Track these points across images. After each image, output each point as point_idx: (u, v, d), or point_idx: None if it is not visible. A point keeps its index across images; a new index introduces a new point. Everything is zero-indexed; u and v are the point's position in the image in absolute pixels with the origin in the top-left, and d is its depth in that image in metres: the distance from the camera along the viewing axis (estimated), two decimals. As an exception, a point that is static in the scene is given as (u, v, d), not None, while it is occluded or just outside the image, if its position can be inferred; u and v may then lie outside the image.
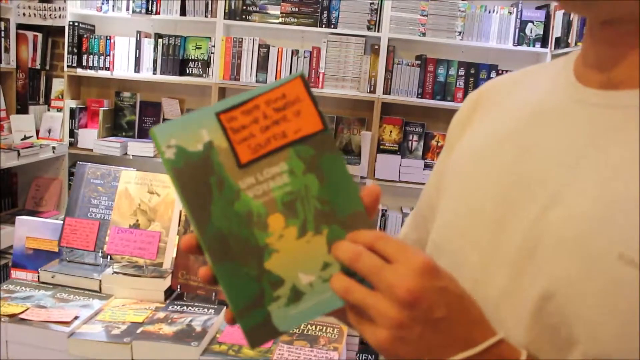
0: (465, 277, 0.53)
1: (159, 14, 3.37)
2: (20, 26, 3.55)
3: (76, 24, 3.46)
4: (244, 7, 3.30)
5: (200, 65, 3.41)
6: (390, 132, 3.31)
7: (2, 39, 3.43)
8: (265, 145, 0.50)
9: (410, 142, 3.34)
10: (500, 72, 3.18)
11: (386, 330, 0.45)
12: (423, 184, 3.25)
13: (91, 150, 3.42)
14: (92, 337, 1.15)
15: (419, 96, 3.21)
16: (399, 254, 0.46)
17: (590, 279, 0.46)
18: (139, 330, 1.17)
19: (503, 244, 0.55)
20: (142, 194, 1.41)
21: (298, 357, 1.11)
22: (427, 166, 3.25)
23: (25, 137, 3.45)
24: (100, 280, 1.37)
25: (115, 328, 1.19)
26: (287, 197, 0.50)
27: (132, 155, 3.37)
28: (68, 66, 3.49)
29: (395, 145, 3.30)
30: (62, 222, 1.51)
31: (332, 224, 0.51)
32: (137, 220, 1.39)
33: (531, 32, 3.13)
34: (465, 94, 3.17)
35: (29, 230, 1.54)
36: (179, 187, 0.49)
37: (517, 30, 3.12)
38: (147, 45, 3.43)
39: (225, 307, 1.31)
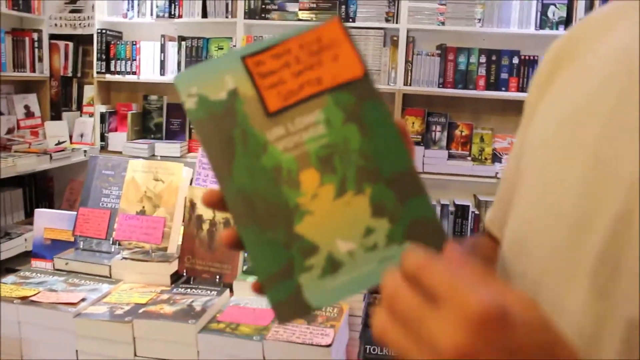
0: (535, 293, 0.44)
1: (182, 17, 3.45)
2: (52, 36, 3.70)
3: (104, 31, 3.58)
4: (263, 6, 3.34)
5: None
6: (413, 123, 3.29)
7: (36, 49, 3.57)
8: (298, 92, 0.44)
9: (433, 133, 3.32)
10: (522, 58, 3.12)
11: None
12: (447, 174, 3.23)
13: (120, 152, 3.52)
14: (96, 317, 1.19)
15: (440, 86, 3.19)
16: (448, 292, 0.33)
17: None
18: (140, 311, 1.21)
19: (582, 250, 0.44)
20: (148, 182, 1.45)
21: (293, 334, 1.12)
22: (452, 156, 3.22)
23: (59, 142, 3.58)
24: (110, 266, 1.42)
25: (119, 309, 1.23)
26: (323, 151, 0.44)
27: (160, 156, 3.45)
28: (97, 72, 3.61)
29: (418, 137, 3.28)
30: (76, 213, 1.56)
31: (376, 182, 0.43)
32: (143, 207, 1.43)
33: (554, 15, 3.07)
34: (487, 82, 3.13)
35: (46, 222, 1.61)
36: (202, 141, 0.45)
37: (539, 13, 3.06)
38: (171, 48, 3.51)
39: (228, 289, 1.33)
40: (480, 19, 3.09)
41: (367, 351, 1.28)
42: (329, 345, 1.09)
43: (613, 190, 0.42)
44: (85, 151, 3.50)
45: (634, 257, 0.39)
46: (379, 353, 1.29)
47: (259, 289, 0.43)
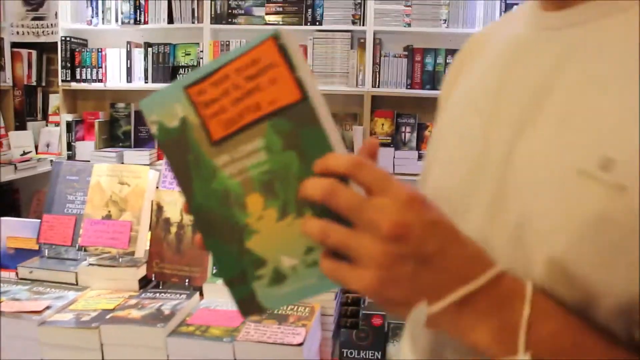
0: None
1: (147, 23, 3.41)
2: (14, 44, 3.62)
3: (68, 38, 3.52)
4: (230, 11, 3.33)
5: (190, 71, 3.44)
6: (382, 125, 3.31)
7: (-3, 58, 3.50)
8: (238, 120, 0.45)
9: (403, 134, 3.34)
10: (488, 57, 3.17)
11: (373, 271, 0.41)
12: (418, 175, 3.28)
13: (88, 161, 3.45)
14: (62, 325, 1.16)
15: (409, 87, 3.22)
16: (381, 185, 0.41)
17: (554, 198, 0.44)
18: (108, 316, 1.18)
19: (480, 187, 0.52)
20: (113, 185, 1.42)
21: (264, 334, 1.11)
22: (422, 157, 3.24)
23: (25, 153, 3.50)
24: (76, 273, 1.39)
25: (86, 315, 1.20)
26: (265, 177, 0.46)
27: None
28: (63, 80, 3.55)
29: (388, 138, 3.30)
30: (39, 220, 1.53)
31: (315, 208, 0.45)
32: (109, 211, 1.41)
33: (517, 15, 3.12)
34: (454, 82, 3.17)
35: (9, 231, 1.57)
36: (168, 161, 0.49)
37: (503, 13, 3.11)
38: (138, 54, 3.47)
39: (197, 292, 1.31)
40: (445, 20, 3.13)
41: (344, 355, 1.28)
42: (300, 344, 1.08)
43: (496, 134, 0.52)
44: (51, 161, 3.43)
45: (516, 179, 0.49)
46: (356, 357, 1.28)
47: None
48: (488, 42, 0.64)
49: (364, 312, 1.29)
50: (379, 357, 1.27)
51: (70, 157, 3.54)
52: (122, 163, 3.40)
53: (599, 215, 0.42)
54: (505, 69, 0.56)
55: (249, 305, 0.49)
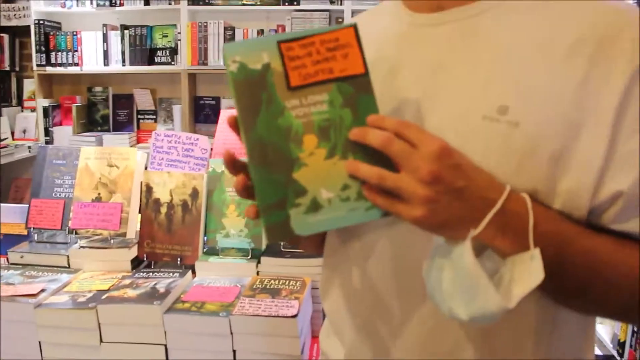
0: None
1: (123, 5, 3.37)
2: (-15, 29, 3.55)
3: (42, 22, 3.46)
4: (207, -9, 3.30)
5: (168, 53, 3.42)
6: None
7: (-32, 43, 3.43)
8: (314, 75, 0.59)
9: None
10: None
11: (420, 206, 0.54)
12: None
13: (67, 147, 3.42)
14: (58, 306, 1.18)
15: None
16: (420, 139, 0.55)
17: (467, 142, 0.60)
18: (104, 296, 1.20)
19: None
20: (102, 168, 1.43)
21: (259, 308, 1.14)
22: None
23: (1, 139, 3.45)
24: (68, 256, 1.40)
25: (82, 296, 1.22)
26: (323, 123, 0.58)
27: (109, 148, 3.38)
28: (37, 65, 3.49)
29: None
30: (28, 205, 1.53)
31: (357, 153, 0.58)
32: (99, 194, 1.41)
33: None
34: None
35: (-4, 217, 1.57)
36: (236, 96, 0.58)
37: None
38: (114, 37, 3.43)
39: (190, 271, 1.34)
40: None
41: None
42: (294, 316, 1.11)
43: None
44: (29, 147, 3.40)
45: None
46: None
47: (254, 213, 0.60)
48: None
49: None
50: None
51: (48, 143, 3.50)
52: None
53: (501, 143, 0.60)
54: (392, 59, 0.69)
55: (279, 230, 0.58)
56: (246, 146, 0.58)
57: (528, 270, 0.54)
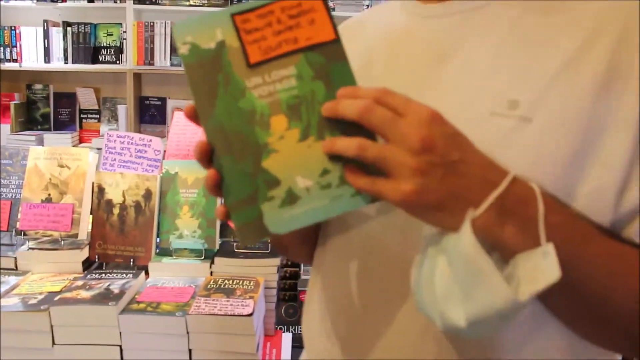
0: None
1: (66, 1, 3.29)
2: None
3: (-23, 15, 3.33)
4: (154, -9, 3.27)
5: (113, 52, 3.36)
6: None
7: None
8: (276, 48, 0.52)
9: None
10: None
11: (409, 180, 0.46)
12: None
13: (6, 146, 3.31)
14: (8, 309, 1.16)
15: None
16: (406, 106, 0.48)
17: (471, 137, 0.51)
18: (56, 298, 1.19)
19: None
20: (52, 169, 1.41)
21: (215, 307, 1.16)
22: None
23: None
24: (15, 258, 1.37)
25: (32, 298, 1.20)
26: (292, 100, 0.51)
27: (49, 148, 3.29)
28: (-27, 61, 3.36)
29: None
30: (-29, 205, 1.49)
31: (334, 131, 0.51)
32: (49, 195, 1.40)
33: None
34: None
35: (-63, 218, 1.51)
36: (190, 82, 0.52)
37: None
38: (56, 34, 3.35)
39: (142, 272, 1.34)
40: (368, 5, 3.23)
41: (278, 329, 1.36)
42: (250, 315, 1.14)
43: None
44: (-37, 145, 3.26)
45: None
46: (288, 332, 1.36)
47: (224, 213, 0.52)
48: (363, 30, 0.72)
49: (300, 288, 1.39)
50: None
51: (-16, 142, 3.38)
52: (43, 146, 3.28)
53: (512, 140, 0.53)
54: (393, 50, 0.65)
55: (252, 229, 0.51)
56: (207, 136, 0.52)
57: (540, 269, 0.44)
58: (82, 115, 3.54)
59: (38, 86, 3.51)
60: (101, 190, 1.38)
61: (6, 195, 1.48)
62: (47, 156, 1.42)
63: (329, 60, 0.52)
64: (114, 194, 1.38)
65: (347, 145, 0.49)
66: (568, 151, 0.52)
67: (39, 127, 3.50)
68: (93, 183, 1.40)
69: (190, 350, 1.15)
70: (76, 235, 1.38)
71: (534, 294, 0.43)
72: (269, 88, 0.52)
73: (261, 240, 0.57)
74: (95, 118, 3.53)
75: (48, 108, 3.52)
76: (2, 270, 1.35)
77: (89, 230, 1.40)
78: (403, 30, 0.66)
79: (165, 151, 1.52)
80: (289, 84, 0.52)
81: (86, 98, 3.53)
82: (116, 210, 1.38)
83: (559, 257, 0.44)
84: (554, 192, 0.52)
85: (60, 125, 3.50)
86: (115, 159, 1.44)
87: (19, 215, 1.40)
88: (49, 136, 3.31)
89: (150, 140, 1.47)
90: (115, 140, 1.45)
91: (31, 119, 3.51)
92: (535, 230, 0.47)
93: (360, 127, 0.49)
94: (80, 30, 3.33)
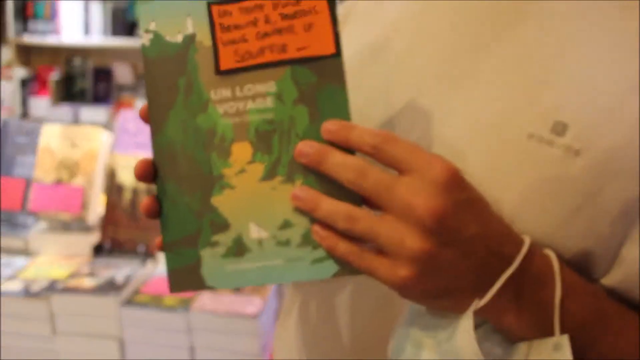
0: None
1: (105, -26, 3.26)
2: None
3: (19, -12, 3.34)
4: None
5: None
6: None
7: (-57, 8, 3.30)
8: (257, 55, 0.40)
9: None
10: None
11: (410, 264, 0.35)
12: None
13: (42, 119, 3.33)
14: (10, 295, 1.13)
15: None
16: (413, 161, 0.36)
17: (497, 170, 0.42)
18: (59, 287, 1.15)
19: None
20: (64, 149, 1.36)
21: (220, 303, 1.10)
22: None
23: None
24: (26, 239, 1.34)
25: (36, 284, 1.17)
26: (264, 126, 0.40)
27: (86, 123, 3.30)
28: (15, 33, 3.38)
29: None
30: (-13, 183, 1.46)
31: (308, 176, 0.39)
32: (61, 175, 1.35)
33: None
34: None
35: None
36: (146, 81, 0.42)
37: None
38: (96, 7, 3.33)
39: (152, 259, 1.29)
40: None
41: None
42: (255, 315, 1.07)
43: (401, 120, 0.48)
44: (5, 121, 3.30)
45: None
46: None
47: (161, 248, 0.43)
48: (380, 9, 0.55)
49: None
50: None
51: (25, 114, 3.41)
52: (77, 120, 3.29)
53: (552, 177, 0.40)
54: (420, 22, 0.50)
55: (185, 277, 0.41)
56: (153, 153, 0.42)
57: None
58: (118, 90, 3.53)
59: (77, 60, 3.52)
60: (114, 173, 1.33)
61: (22, 174, 1.44)
62: (61, 135, 1.38)
63: (321, 81, 0.40)
64: (126, 178, 1.33)
65: (333, 211, 0.37)
66: (622, 198, 0.40)
67: (77, 100, 3.51)
68: (106, 165, 1.35)
69: (192, 347, 1.09)
70: (86, 219, 1.33)
71: None
72: (238, 105, 0.40)
73: (192, 290, 0.44)
74: (131, 93, 3.53)
75: (87, 83, 3.52)
76: (11, 252, 1.32)
77: (100, 213, 1.35)
78: (420, 13, 0.50)
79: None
80: (264, 105, 0.40)
81: (123, 73, 3.52)
82: (128, 195, 1.33)
83: (575, 347, 0.36)
84: (594, 252, 0.41)
85: (98, 100, 3.50)
86: (129, 141, 1.38)
87: (30, 195, 1.37)
88: (85, 110, 3.32)
89: (167, 122, 1.41)
90: (129, 121, 1.39)
91: (69, 93, 3.52)
92: (549, 317, 0.38)
93: None
94: (119, 5, 3.30)
